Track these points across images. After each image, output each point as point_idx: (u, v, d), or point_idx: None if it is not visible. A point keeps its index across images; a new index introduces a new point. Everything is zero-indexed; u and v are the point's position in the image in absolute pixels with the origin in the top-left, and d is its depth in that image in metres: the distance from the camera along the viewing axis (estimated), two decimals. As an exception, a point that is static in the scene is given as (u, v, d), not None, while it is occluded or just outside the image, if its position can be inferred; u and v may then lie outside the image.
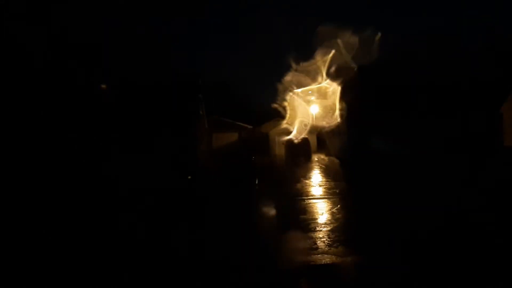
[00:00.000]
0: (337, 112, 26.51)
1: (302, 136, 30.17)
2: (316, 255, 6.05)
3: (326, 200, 10.97)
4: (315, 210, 9.59)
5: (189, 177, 16.36)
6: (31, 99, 16.09)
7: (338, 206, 9.90)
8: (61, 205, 10.70)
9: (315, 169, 20.48)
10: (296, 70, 29.85)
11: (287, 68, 27.37)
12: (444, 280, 4.97)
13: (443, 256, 5.79)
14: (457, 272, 5.20)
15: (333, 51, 24.31)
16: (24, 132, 15.26)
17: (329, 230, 7.48)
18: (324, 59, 25.90)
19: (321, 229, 7.64)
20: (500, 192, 10.67)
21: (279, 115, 38.93)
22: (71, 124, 16.81)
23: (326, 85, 28.40)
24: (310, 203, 10.62)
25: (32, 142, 15.26)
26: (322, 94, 30.41)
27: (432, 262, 5.55)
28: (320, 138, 34.49)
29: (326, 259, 5.90)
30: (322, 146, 33.74)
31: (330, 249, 6.33)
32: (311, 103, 33.21)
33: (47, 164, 14.63)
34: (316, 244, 6.62)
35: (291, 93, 32.98)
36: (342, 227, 7.81)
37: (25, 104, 15.70)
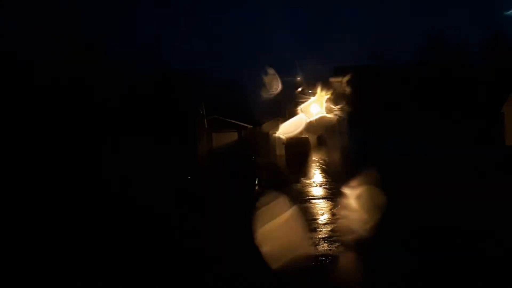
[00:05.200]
0: (338, 112, 26.49)
1: (302, 135, 30.15)
2: (317, 255, 5.99)
3: (326, 200, 10.91)
4: (315, 211, 9.52)
5: (189, 177, 16.30)
6: (33, 103, 16.04)
7: (339, 206, 9.83)
8: (64, 204, 10.65)
9: (316, 168, 20.41)
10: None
11: (289, 68, 27.43)
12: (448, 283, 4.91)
13: (444, 256, 5.72)
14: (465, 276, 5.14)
15: None
16: (26, 134, 15.21)
17: (330, 230, 7.42)
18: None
19: (321, 229, 7.57)
20: (501, 192, 10.59)
21: (280, 115, 38.97)
22: (71, 125, 16.74)
23: (327, 87, 28.43)
24: (310, 203, 10.55)
25: (33, 144, 15.20)
26: (323, 95, 30.44)
27: (433, 263, 5.48)
28: (321, 137, 34.48)
29: (327, 258, 5.83)
30: (322, 145, 33.69)
31: (331, 249, 6.27)
32: (312, 103, 33.24)
33: (47, 165, 14.57)
34: (316, 243, 6.55)
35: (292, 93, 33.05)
36: (342, 227, 7.74)
37: (26, 106, 15.66)
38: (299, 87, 34.70)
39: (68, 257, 6.43)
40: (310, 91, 33.40)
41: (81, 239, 7.53)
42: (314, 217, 8.77)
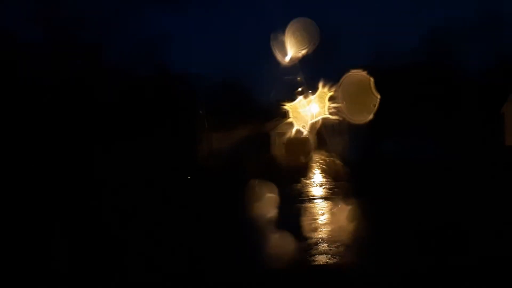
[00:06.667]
0: (338, 112, 26.49)
1: (302, 135, 30.16)
2: (317, 255, 6.00)
3: (326, 200, 10.92)
4: (315, 211, 9.53)
5: (189, 177, 16.32)
6: (31, 101, 16.02)
7: (339, 206, 9.85)
8: (62, 204, 10.66)
9: (315, 168, 20.41)
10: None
11: (290, 67, 27.45)
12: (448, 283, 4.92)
13: (444, 257, 5.74)
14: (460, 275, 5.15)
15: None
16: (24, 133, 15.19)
17: (329, 231, 7.43)
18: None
19: (322, 229, 7.58)
20: (501, 192, 10.59)
21: (280, 115, 38.93)
22: (71, 126, 16.73)
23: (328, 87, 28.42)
24: (310, 203, 10.56)
25: (31, 143, 15.19)
26: (323, 95, 30.43)
27: (434, 264, 5.49)
28: (321, 137, 34.45)
29: (327, 259, 5.84)
30: (322, 146, 33.67)
31: (330, 249, 6.28)
32: (312, 103, 33.25)
33: (45, 165, 14.56)
34: (317, 244, 6.56)
35: (293, 93, 33.08)
36: (342, 227, 7.75)
37: (25, 107, 15.64)
38: (299, 87, 34.68)
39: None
40: (310, 91, 33.40)
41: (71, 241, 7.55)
42: (314, 217, 8.78)
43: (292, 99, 34.51)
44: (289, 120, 37.26)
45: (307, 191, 12.74)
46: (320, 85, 30.17)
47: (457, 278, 4.99)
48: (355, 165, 19.35)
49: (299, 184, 14.43)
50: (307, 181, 15.35)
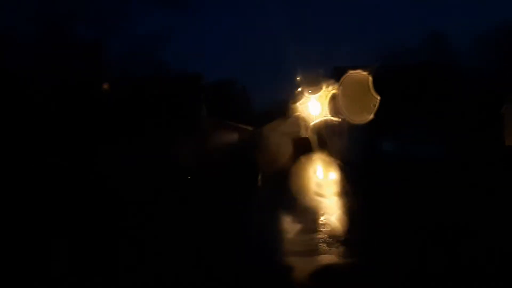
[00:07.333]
0: (338, 112, 26.52)
1: (303, 135, 30.18)
2: (317, 255, 6.00)
3: (326, 200, 10.92)
4: (315, 210, 9.53)
5: (189, 177, 16.33)
6: (30, 100, 16.00)
7: (339, 206, 9.85)
8: (61, 205, 10.67)
9: (316, 168, 20.42)
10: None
11: (290, 68, 27.45)
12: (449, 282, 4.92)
13: (444, 256, 5.73)
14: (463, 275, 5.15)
15: None
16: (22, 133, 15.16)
17: (329, 231, 7.43)
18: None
19: (322, 229, 7.58)
20: (501, 191, 10.59)
21: (280, 116, 38.87)
22: (69, 123, 16.70)
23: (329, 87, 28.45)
24: (311, 203, 10.56)
25: (30, 143, 15.17)
26: (323, 95, 30.47)
27: (433, 264, 5.49)
28: (321, 137, 34.45)
29: (327, 259, 5.84)
30: (322, 146, 33.68)
31: (331, 249, 6.27)
32: (311, 103, 33.27)
33: (44, 166, 14.53)
34: (317, 244, 6.56)
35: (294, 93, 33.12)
36: (343, 227, 7.75)
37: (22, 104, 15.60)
38: (299, 87, 34.69)
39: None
40: (310, 91, 33.40)
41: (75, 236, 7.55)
42: (314, 217, 8.78)
43: (292, 99, 34.54)
44: (289, 119, 37.23)
45: (307, 191, 12.74)
46: (320, 85, 30.19)
47: (457, 278, 4.99)
48: (355, 165, 19.37)
49: (299, 184, 14.43)
50: (307, 181, 15.35)
